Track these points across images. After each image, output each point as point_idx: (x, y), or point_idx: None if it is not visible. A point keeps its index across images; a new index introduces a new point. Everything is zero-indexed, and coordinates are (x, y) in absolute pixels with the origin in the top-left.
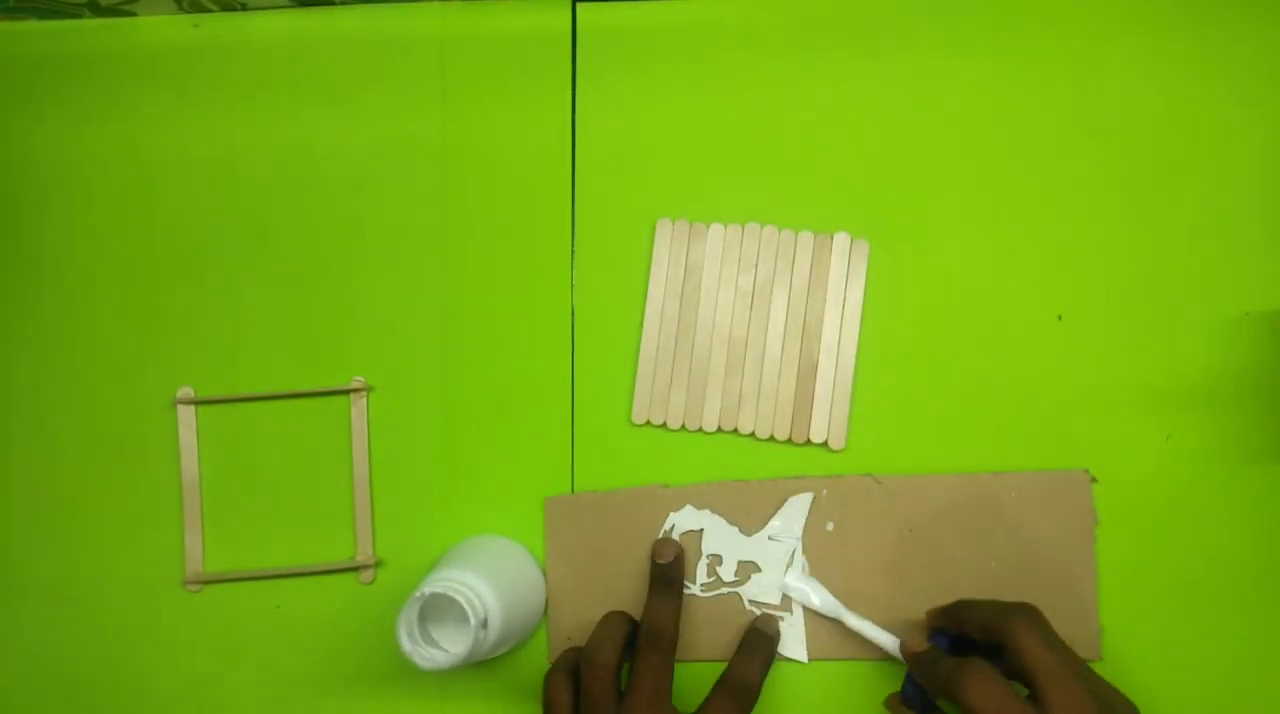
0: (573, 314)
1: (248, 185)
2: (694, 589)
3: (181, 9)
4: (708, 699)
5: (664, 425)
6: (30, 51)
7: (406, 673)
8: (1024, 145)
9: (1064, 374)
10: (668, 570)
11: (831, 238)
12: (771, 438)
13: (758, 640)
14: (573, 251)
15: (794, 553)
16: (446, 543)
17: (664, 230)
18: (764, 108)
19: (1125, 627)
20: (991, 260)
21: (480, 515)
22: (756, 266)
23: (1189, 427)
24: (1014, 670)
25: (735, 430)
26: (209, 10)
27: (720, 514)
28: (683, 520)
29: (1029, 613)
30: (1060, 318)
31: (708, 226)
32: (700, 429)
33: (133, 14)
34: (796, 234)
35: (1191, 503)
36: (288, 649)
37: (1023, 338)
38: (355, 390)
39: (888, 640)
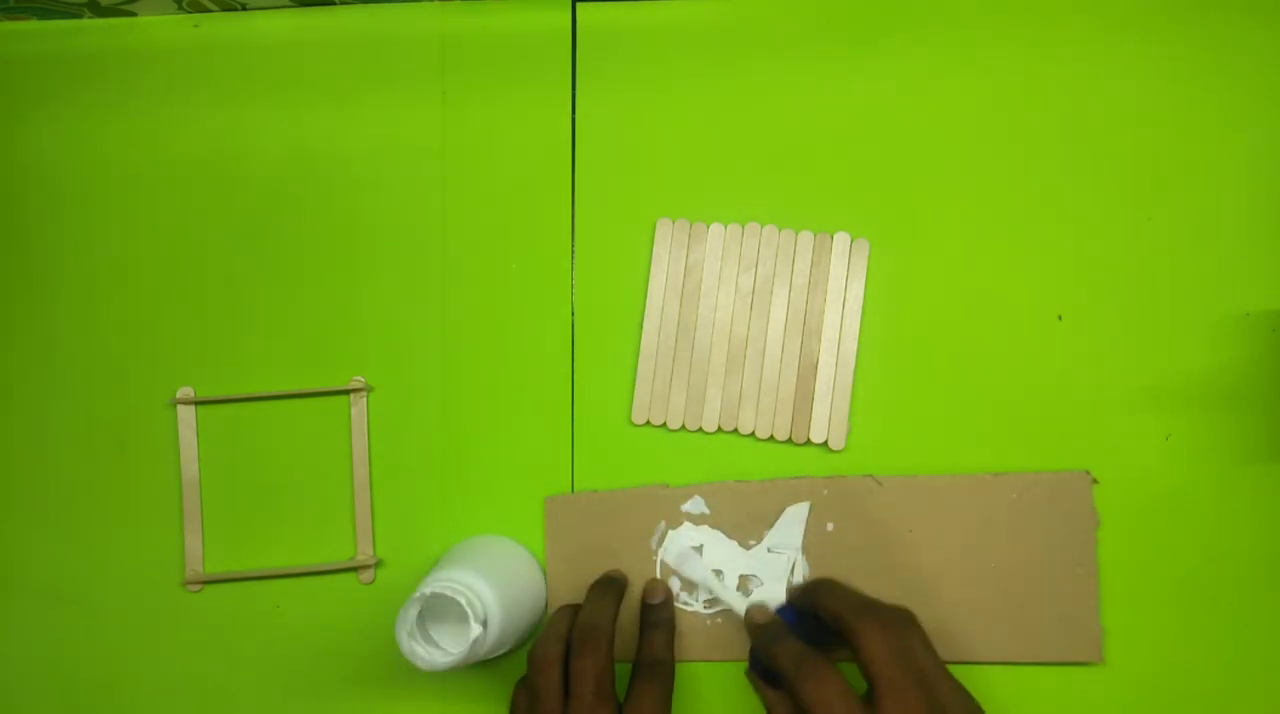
0: (573, 314)
1: (248, 185)
2: (696, 605)
3: (182, 9)
4: (630, 686)
5: (664, 425)
6: (30, 51)
7: (406, 673)
8: (1024, 145)
9: (1064, 374)
10: (659, 611)
11: (831, 238)
12: (771, 438)
13: (652, 614)
14: (573, 252)
15: (794, 564)
16: (446, 543)
17: (664, 230)
18: (764, 108)
19: (1126, 628)
20: (992, 260)
21: (480, 515)
22: (756, 266)
23: (1189, 427)
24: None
25: (735, 430)
26: (209, 10)
27: (719, 529)
28: (681, 537)
29: (884, 618)
30: (1060, 318)
31: (708, 226)
32: (700, 429)
33: (133, 14)
34: (796, 234)
35: (1191, 503)
36: (288, 649)
37: (1023, 338)
38: (355, 390)
39: (739, 606)
